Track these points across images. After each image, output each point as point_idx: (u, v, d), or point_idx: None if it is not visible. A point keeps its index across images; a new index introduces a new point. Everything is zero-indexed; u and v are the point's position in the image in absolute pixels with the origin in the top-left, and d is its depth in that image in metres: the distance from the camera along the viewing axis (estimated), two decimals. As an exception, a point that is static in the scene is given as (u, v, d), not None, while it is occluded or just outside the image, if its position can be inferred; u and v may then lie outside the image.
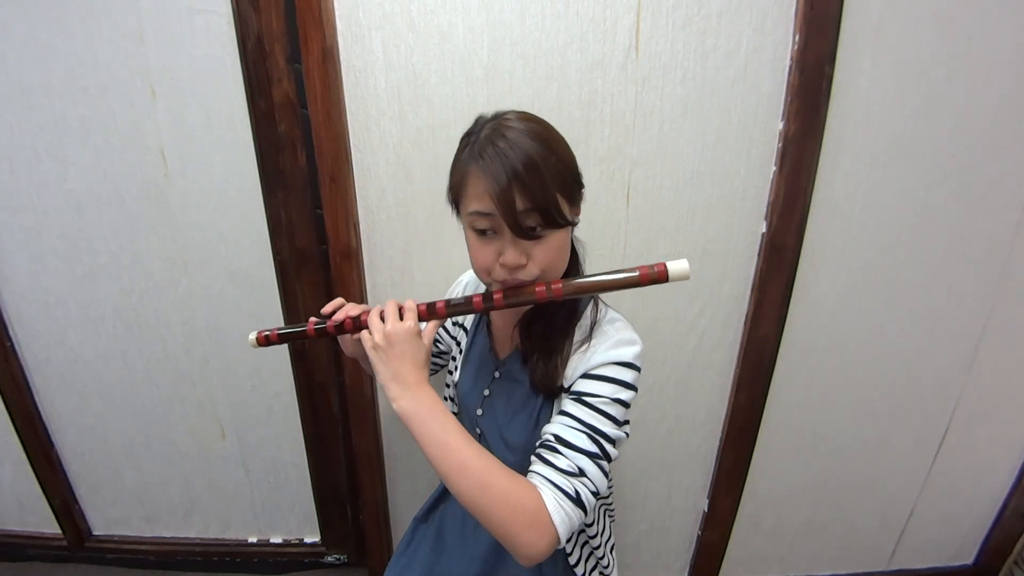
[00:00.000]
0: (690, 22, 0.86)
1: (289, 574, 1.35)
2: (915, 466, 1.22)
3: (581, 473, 0.56)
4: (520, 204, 0.54)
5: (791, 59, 0.88)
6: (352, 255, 0.99)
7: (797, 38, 0.86)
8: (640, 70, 0.89)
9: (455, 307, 0.63)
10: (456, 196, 0.61)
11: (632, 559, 1.30)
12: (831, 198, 0.96)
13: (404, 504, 1.25)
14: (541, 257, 0.58)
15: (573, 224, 0.60)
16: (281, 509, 1.31)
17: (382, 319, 0.62)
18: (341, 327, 0.68)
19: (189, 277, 1.08)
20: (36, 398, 1.20)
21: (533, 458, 0.59)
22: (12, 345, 1.14)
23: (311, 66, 0.88)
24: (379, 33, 0.88)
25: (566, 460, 0.57)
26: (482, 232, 0.58)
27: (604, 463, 0.58)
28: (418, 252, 1.02)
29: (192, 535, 1.35)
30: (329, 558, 1.33)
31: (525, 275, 0.59)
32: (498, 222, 0.56)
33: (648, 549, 1.29)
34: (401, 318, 0.62)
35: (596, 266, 0.77)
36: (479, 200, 0.56)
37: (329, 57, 0.87)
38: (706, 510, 1.21)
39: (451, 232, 0.99)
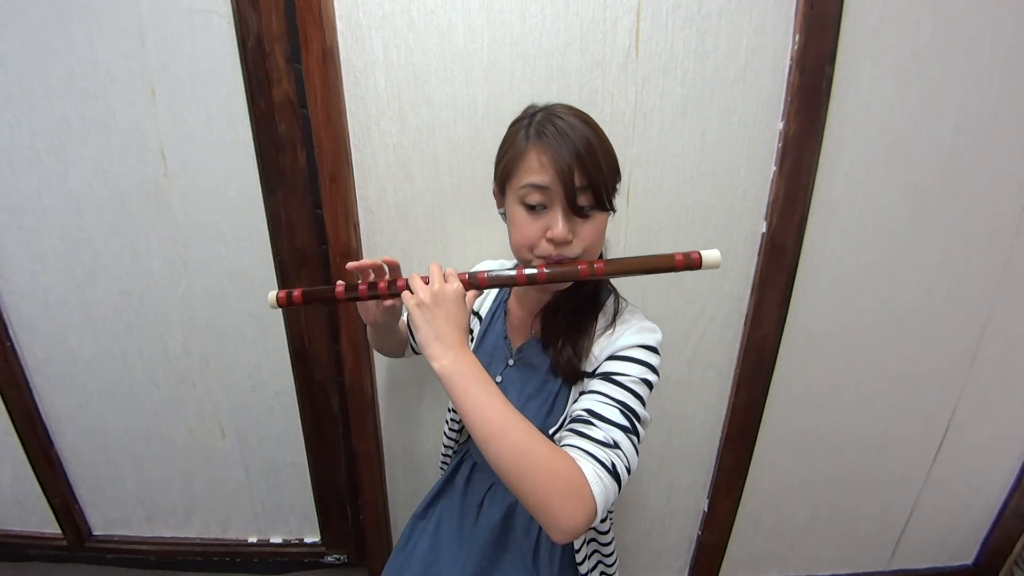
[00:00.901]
0: (690, 22, 0.86)
1: (289, 574, 1.35)
2: (915, 466, 1.22)
3: (616, 445, 0.57)
4: (578, 181, 0.58)
5: (791, 59, 0.88)
6: (352, 255, 0.99)
7: (797, 38, 0.86)
8: (640, 70, 0.89)
9: (496, 278, 0.63)
10: (508, 173, 0.63)
11: (632, 559, 1.30)
12: (831, 198, 0.96)
13: (404, 504, 1.25)
14: (585, 236, 0.61)
15: (614, 210, 0.62)
16: (281, 509, 1.31)
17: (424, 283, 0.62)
18: (375, 290, 0.66)
19: (189, 277, 1.08)
20: (36, 398, 1.20)
21: (566, 432, 0.59)
22: (12, 345, 1.14)
23: (311, 66, 0.88)
24: (379, 33, 0.88)
25: (601, 432, 0.57)
26: (532, 208, 0.61)
27: (635, 439, 0.59)
28: (418, 252, 1.02)
29: (192, 535, 1.35)
30: (329, 558, 1.33)
31: (569, 252, 0.61)
32: (551, 197, 0.59)
33: (648, 549, 1.29)
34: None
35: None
36: (538, 173, 0.59)
37: (329, 57, 0.87)
38: (706, 510, 1.21)
39: (451, 232, 1.00)
